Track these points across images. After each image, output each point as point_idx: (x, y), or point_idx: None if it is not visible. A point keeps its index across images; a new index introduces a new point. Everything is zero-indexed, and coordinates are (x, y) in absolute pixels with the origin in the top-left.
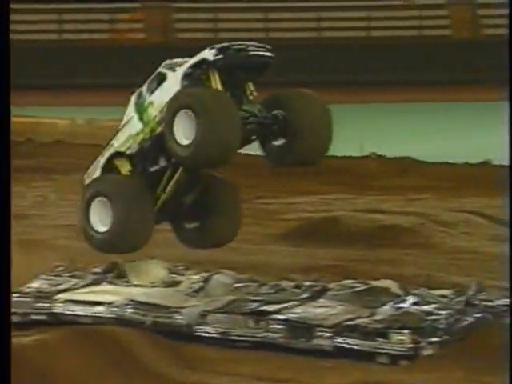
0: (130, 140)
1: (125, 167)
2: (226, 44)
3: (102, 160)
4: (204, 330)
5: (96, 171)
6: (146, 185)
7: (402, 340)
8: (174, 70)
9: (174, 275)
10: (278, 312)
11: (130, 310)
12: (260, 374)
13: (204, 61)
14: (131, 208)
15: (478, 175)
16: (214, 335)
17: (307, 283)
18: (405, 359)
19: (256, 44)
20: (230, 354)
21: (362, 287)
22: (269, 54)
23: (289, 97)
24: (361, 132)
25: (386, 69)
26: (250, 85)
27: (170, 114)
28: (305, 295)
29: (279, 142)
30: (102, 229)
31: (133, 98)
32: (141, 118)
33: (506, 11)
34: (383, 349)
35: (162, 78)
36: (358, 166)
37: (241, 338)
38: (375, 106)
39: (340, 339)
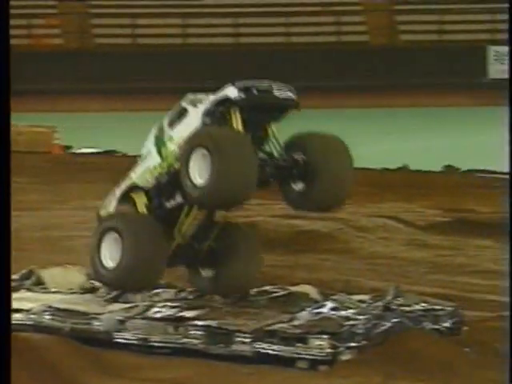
0: (147, 174)
1: (141, 201)
2: (249, 83)
3: (118, 192)
4: (123, 337)
5: (112, 203)
6: (161, 222)
7: (320, 345)
8: (196, 106)
9: (93, 281)
10: (196, 318)
11: (47, 317)
12: (180, 380)
13: (226, 98)
14: (142, 246)
15: (395, 180)
16: (133, 341)
17: None
18: (324, 364)
19: (280, 84)
20: (150, 360)
21: (281, 293)
22: (292, 95)
23: (310, 139)
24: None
25: (303, 75)
26: (272, 125)
27: (186, 152)
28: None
29: (299, 187)
30: (111, 264)
31: (153, 130)
32: (159, 152)
33: (423, 17)
34: (302, 354)
35: (183, 113)
36: None
37: (160, 345)
38: (295, 113)
39: (260, 345)
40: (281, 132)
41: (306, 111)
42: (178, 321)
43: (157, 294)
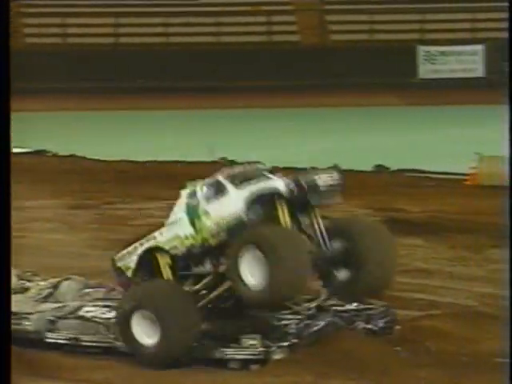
0: (176, 240)
1: (165, 262)
2: (299, 178)
3: (140, 249)
4: (54, 337)
5: (132, 258)
6: (186, 283)
7: (253, 345)
8: (236, 185)
9: (23, 281)
10: None
11: None
12: (112, 380)
13: (275, 190)
14: (180, 323)
15: None
16: (64, 341)
17: None
18: (256, 363)
19: (325, 171)
20: (82, 360)
21: None
22: (337, 179)
23: (352, 226)
24: (211, 137)
25: (234, 74)
26: (317, 212)
27: (235, 251)
28: None
29: (342, 275)
30: (149, 342)
31: (184, 196)
32: (192, 223)
33: (354, 17)
34: (235, 354)
35: (221, 189)
36: (207, 171)
37: (92, 344)
38: (216, 112)
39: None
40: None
41: (235, 111)
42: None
43: (88, 294)
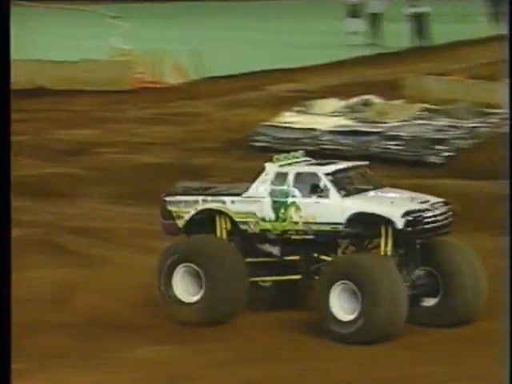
0: (250, 217)
1: (223, 227)
2: (416, 214)
3: (201, 205)
4: None
5: (188, 209)
6: (240, 248)
7: None
8: (342, 192)
9: None
10: None
11: None
12: None
13: (386, 217)
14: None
15: None
16: None
17: None
18: None
19: (441, 210)
20: None
21: None
22: (445, 216)
23: (441, 250)
24: None
25: None
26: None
27: (325, 284)
28: None
29: (430, 303)
30: (191, 299)
31: (271, 173)
32: (275, 210)
33: None
34: None
35: (320, 188)
36: None
37: None
38: None
39: None
40: None
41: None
42: None
43: None
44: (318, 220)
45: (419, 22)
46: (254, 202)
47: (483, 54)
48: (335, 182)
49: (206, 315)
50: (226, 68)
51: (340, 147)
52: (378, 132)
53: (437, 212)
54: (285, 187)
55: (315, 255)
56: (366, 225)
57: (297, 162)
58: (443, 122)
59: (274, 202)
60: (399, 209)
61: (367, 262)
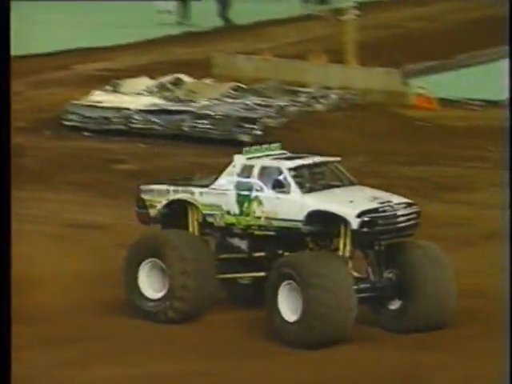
0: (216, 210)
1: (195, 219)
2: (372, 215)
3: (172, 195)
4: None
5: (160, 199)
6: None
7: None
8: (303, 189)
9: None
10: None
11: None
12: None
13: (343, 217)
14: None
15: None
16: None
17: None
18: None
19: (403, 212)
20: None
21: None
22: (417, 220)
23: (404, 252)
24: None
25: None
26: (382, 244)
27: (271, 285)
28: None
29: (394, 306)
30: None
31: (238, 166)
32: (240, 203)
33: None
34: None
35: (283, 184)
36: None
37: None
38: None
39: None
40: None
41: None
42: None
43: None
44: (279, 216)
45: (223, 1)
46: (220, 195)
47: (292, 33)
48: (298, 178)
49: (168, 312)
50: (35, 47)
51: (151, 126)
52: (189, 111)
53: (398, 213)
54: (249, 180)
55: (280, 252)
56: (325, 223)
57: (268, 155)
58: (253, 100)
59: (239, 196)
60: (355, 209)
61: (307, 261)
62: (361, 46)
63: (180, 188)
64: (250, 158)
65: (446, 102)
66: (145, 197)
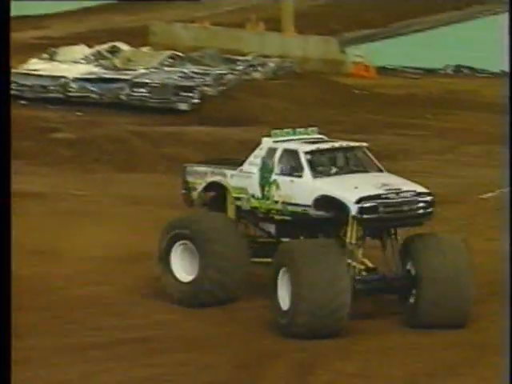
0: (242, 193)
1: (232, 202)
2: (373, 201)
3: (210, 178)
4: None
5: (201, 181)
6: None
7: None
8: (315, 173)
9: None
10: None
11: None
12: None
13: (343, 206)
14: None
15: None
16: None
17: None
18: None
19: (410, 194)
20: None
21: None
22: (421, 210)
23: (419, 245)
24: None
25: None
26: (395, 233)
27: (272, 272)
28: None
29: (412, 300)
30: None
31: (264, 148)
32: (261, 186)
33: None
34: None
35: (298, 168)
36: None
37: None
38: None
39: None
40: None
41: None
42: None
43: None
44: (293, 201)
45: None
46: (246, 178)
47: (230, 1)
48: (312, 162)
49: (200, 295)
50: None
51: (88, 94)
52: (126, 79)
53: (403, 201)
54: (270, 164)
55: (301, 238)
56: (331, 209)
57: (294, 139)
58: (191, 69)
59: (261, 179)
60: (355, 195)
61: (297, 248)
62: (298, 14)
63: (216, 170)
64: (276, 142)
65: (383, 71)
66: (188, 179)
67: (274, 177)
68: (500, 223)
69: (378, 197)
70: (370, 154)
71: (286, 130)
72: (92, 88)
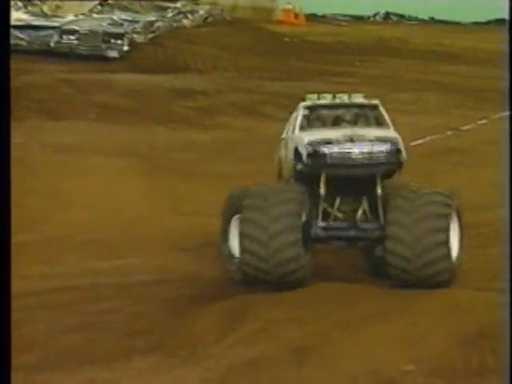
0: (282, 161)
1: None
2: (318, 146)
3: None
4: None
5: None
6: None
7: None
8: (304, 126)
9: None
10: None
11: None
12: None
13: (317, 155)
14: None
15: None
16: None
17: None
18: None
19: (367, 148)
20: None
21: None
22: (385, 155)
23: (394, 195)
24: None
25: None
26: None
27: (225, 220)
28: None
29: (379, 252)
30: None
31: (300, 113)
32: (286, 149)
33: None
34: None
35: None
36: None
37: None
38: None
39: None
40: None
41: None
42: None
43: None
44: (289, 157)
45: None
46: (282, 144)
47: None
48: (308, 117)
49: (239, 273)
50: None
51: (17, 42)
52: (55, 26)
53: (357, 150)
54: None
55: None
56: (311, 165)
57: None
58: (120, 16)
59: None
60: (305, 140)
61: (251, 194)
62: None
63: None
64: (306, 105)
65: (313, 18)
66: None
67: (290, 138)
68: (431, 170)
69: (322, 141)
70: (382, 112)
71: (323, 95)
72: (21, 35)
